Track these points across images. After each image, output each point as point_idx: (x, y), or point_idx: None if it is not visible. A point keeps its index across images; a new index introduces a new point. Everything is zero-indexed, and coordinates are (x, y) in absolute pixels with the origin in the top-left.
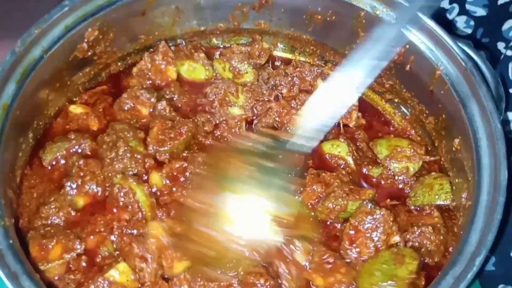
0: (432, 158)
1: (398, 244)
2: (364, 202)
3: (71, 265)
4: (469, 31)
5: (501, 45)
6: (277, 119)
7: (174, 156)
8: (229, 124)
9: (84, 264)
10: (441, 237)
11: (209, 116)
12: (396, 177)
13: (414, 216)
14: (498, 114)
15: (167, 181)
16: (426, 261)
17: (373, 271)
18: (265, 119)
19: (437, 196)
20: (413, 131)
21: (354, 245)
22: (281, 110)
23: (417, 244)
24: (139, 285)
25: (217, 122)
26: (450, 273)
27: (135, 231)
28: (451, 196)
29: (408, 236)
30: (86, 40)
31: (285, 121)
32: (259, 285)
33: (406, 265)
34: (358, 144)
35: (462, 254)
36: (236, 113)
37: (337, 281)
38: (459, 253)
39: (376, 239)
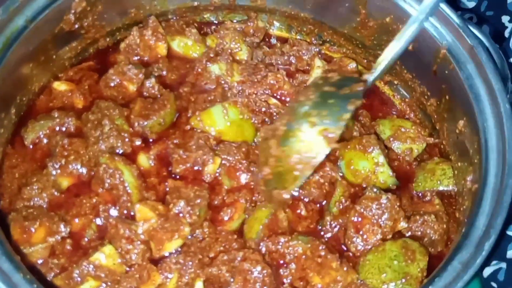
0: (436, 140)
1: (404, 231)
2: (369, 188)
3: (55, 249)
4: (473, 4)
5: (505, 19)
6: (267, 91)
7: (162, 134)
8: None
9: (69, 247)
10: (444, 226)
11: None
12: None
13: (414, 203)
14: (506, 93)
15: (154, 163)
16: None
17: (383, 267)
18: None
19: (439, 182)
20: (412, 114)
21: (360, 233)
22: (274, 83)
23: (419, 233)
24: (126, 269)
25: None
26: (456, 258)
27: (122, 213)
28: (454, 182)
29: (410, 225)
30: (73, 11)
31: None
32: (256, 272)
33: (417, 261)
34: (360, 118)
35: (469, 238)
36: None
37: (333, 279)
38: (466, 237)
39: (383, 225)
